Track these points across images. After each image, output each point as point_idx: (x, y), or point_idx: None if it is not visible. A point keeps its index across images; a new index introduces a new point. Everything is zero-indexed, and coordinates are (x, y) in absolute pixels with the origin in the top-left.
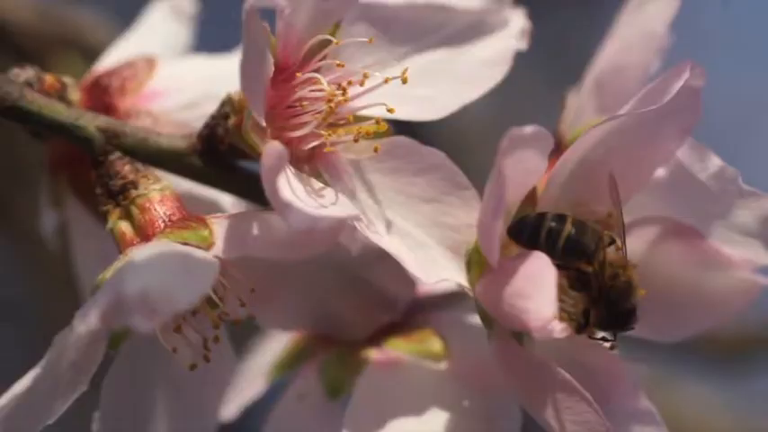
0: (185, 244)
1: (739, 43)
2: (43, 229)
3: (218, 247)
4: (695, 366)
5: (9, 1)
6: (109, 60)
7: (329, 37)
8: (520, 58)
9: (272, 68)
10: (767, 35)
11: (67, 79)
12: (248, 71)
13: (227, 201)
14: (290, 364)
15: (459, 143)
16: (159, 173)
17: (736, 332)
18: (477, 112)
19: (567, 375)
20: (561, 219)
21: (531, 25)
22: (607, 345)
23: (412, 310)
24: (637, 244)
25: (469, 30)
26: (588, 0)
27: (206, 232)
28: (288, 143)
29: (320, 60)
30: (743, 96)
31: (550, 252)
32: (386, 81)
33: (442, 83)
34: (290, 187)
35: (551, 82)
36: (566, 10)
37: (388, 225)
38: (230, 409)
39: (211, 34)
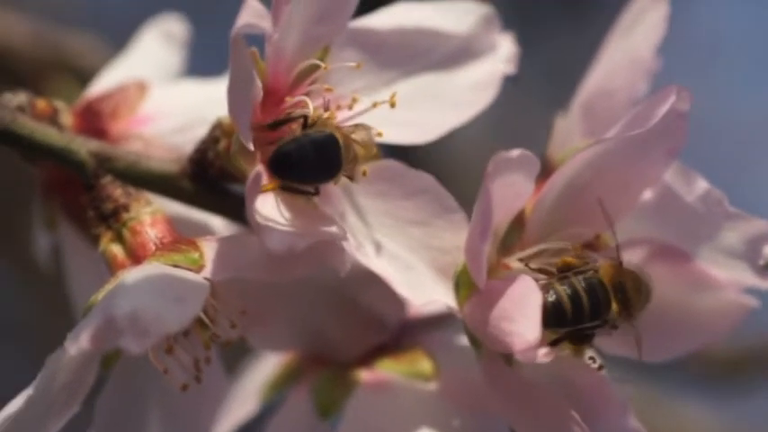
0: (176, 266)
1: (740, 59)
2: (37, 251)
3: (209, 270)
4: (691, 385)
5: (2, 25)
6: (101, 85)
7: (318, 62)
8: (514, 79)
9: (261, 93)
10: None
11: (59, 104)
12: (235, 97)
13: (218, 223)
14: (282, 385)
15: (452, 164)
16: (150, 196)
17: (731, 350)
18: (471, 134)
19: (556, 396)
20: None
21: (524, 47)
22: (595, 365)
23: (402, 332)
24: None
25: (458, 54)
26: (582, 20)
27: (196, 255)
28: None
29: (309, 85)
30: (746, 113)
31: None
32: (374, 105)
33: (430, 107)
34: (272, 210)
35: (546, 102)
36: (560, 30)
37: (378, 247)
38: (222, 429)
39: (203, 58)
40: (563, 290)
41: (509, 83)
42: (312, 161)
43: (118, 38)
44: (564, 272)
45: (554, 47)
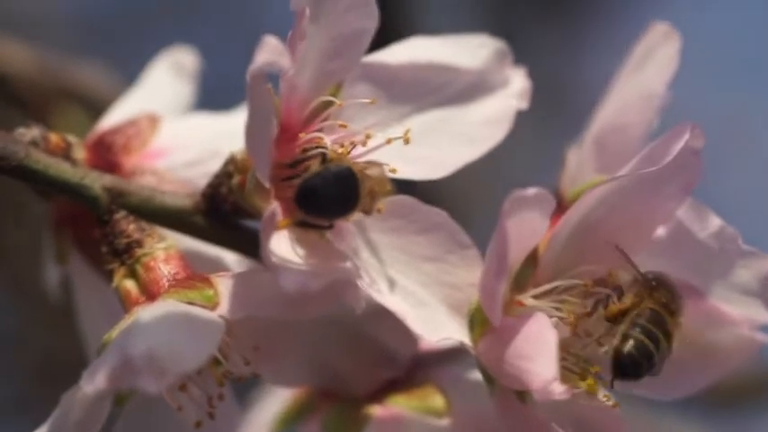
0: (191, 304)
1: (710, 63)
2: (46, 283)
3: (223, 307)
4: (695, 412)
5: (9, 54)
6: (112, 118)
7: (332, 98)
8: None
9: (276, 130)
10: (739, 55)
11: (72, 138)
12: (254, 137)
13: (231, 258)
14: (293, 420)
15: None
16: (163, 231)
17: (735, 377)
18: None
19: None
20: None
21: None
22: (609, 403)
23: (414, 367)
24: None
25: (470, 89)
26: (573, 42)
27: (211, 292)
28: (291, 203)
29: (322, 121)
30: (714, 116)
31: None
32: (388, 141)
33: (444, 142)
34: (286, 248)
35: (538, 123)
36: (551, 52)
37: (391, 284)
38: None
39: (213, 89)
40: (641, 337)
41: None
42: (336, 195)
43: (123, 66)
44: (617, 317)
45: (538, 59)
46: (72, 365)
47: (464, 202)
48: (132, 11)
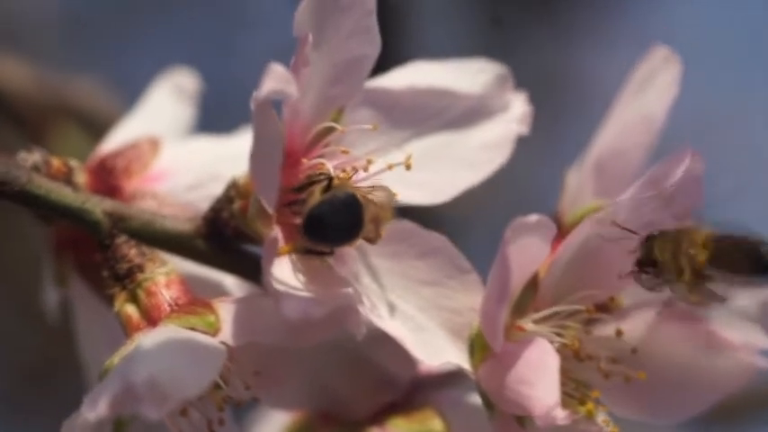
0: (192, 329)
1: (693, 57)
2: (45, 304)
3: (225, 333)
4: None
5: (7, 71)
6: (113, 141)
7: (334, 125)
8: None
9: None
10: (719, 50)
11: (73, 162)
12: (260, 163)
13: (231, 282)
14: None
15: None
16: (164, 255)
17: (734, 395)
18: None
19: None
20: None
21: (498, 56)
22: (609, 429)
23: (413, 390)
24: (636, 326)
25: (471, 114)
26: (568, 42)
27: (212, 318)
28: (293, 229)
29: (324, 146)
30: (698, 109)
31: None
32: (389, 167)
33: (444, 167)
34: (288, 274)
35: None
36: (532, 38)
37: (391, 308)
38: None
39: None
40: None
41: None
42: (342, 223)
43: (121, 82)
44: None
45: (528, 56)
46: (64, 366)
47: (463, 225)
48: (126, 7)
